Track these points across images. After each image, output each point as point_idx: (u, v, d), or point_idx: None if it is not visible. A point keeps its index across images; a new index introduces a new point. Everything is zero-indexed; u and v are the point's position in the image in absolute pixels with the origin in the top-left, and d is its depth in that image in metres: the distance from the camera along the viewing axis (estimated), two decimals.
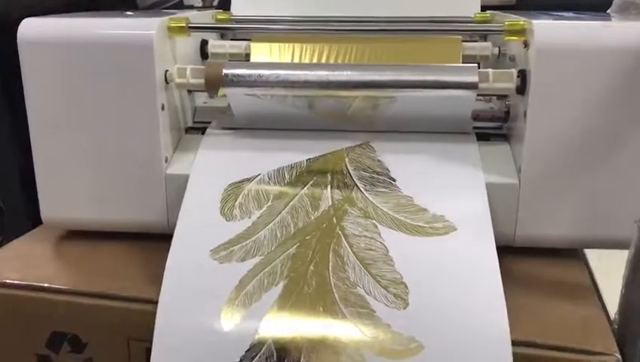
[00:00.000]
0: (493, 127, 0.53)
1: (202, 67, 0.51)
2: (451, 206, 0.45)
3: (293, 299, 0.41)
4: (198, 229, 0.45)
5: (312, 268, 0.42)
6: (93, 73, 0.48)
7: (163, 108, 0.49)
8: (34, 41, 0.49)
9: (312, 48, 0.55)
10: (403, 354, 0.38)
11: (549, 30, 0.45)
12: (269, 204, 0.46)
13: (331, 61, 0.55)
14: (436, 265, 0.41)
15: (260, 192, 0.47)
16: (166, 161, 0.50)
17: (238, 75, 0.49)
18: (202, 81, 0.50)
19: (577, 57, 0.45)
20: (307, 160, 0.49)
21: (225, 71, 0.49)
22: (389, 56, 0.54)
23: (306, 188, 0.47)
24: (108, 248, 0.52)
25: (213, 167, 0.49)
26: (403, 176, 0.47)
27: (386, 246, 0.42)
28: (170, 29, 0.51)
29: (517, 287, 0.44)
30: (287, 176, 0.48)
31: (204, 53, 0.60)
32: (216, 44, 0.60)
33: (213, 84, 0.50)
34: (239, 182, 0.48)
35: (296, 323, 0.39)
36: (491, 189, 0.47)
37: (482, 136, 0.52)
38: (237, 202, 0.46)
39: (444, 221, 0.44)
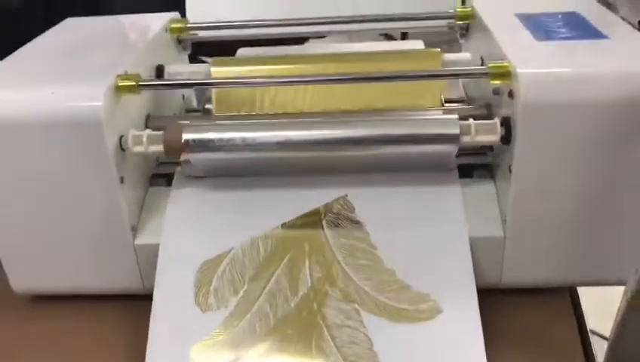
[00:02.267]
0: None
1: (160, 133, 0.46)
2: (435, 280, 0.43)
3: None
4: (175, 324, 0.43)
5: None
6: (42, 152, 0.44)
7: (122, 181, 0.46)
8: None
9: (278, 77, 0.50)
10: None
11: (536, 84, 0.41)
12: (245, 288, 0.44)
13: (300, 98, 0.50)
14: (422, 358, 0.40)
15: (235, 275, 0.44)
16: (133, 230, 0.47)
17: (200, 141, 0.45)
18: (161, 147, 0.46)
19: (565, 111, 0.41)
20: (282, 225, 0.46)
21: (185, 136, 0.45)
22: (360, 93, 0.49)
23: (282, 266, 0.45)
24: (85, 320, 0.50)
25: (183, 239, 0.46)
26: (384, 242, 0.45)
27: (369, 339, 0.41)
28: (119, 89, 0.45)
29: (501, 342, 0.44)
30: (261, 250, 0.45)
31: (160, 75, 0.55)
32: (172, 72, 0.54)
33: (174, 150, 0.46)
34: (212, 259, 0.45)
35: None
36: (476, 243, 0.45)
37: (466, 171, 0.48)
38: (212, 287, 0.44)
39: (429, 301, 0.42)
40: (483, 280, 0.45)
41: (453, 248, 0.44)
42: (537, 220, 0.44)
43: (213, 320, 0.43)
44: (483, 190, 0.48)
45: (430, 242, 0.44)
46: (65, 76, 0.46)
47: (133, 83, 0.45)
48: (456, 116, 0.44)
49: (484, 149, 0.49)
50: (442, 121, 0.44)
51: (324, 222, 0.46)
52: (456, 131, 0.43)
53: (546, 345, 0.45)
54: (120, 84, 0.45)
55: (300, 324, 0.42)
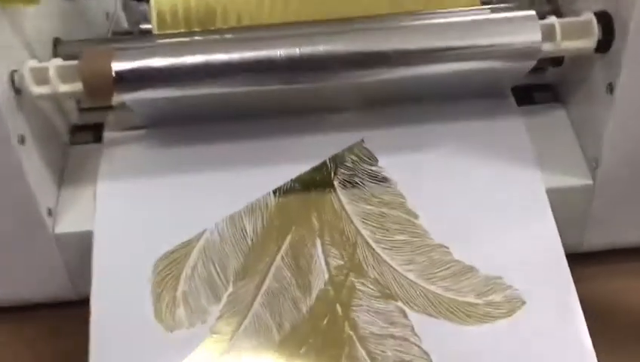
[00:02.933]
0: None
1: (75, 63, 0.30)
2: (508, 256, 0.29)
3: None
4: (128, 357, 0.28)
5: None
6: None
7: (22, 140, 0.30)
8: None
9: None
10: None
11: None
12: (230, 290, 0.29)
13: (279, 9, 0.34)
14: None
15: (213, 271, 0.30)
16: (49, 214, 0.32)
17: (139, 72, 0.29)
18: (79, 85, 0.30)
19: None
20: (275, 192, 0.31)
21: (116, 66, 0.29)
22: None
23: (283, 252, 0.30)
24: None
25: (127, 224, 0.31)
26: (426, 205, 0.31)
27: (427, 354, 0.27)
28: None
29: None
30: (249, 231, 0.30)
31: None
32: None
33: (101, 88, 0.30)
34: (175, 251, 0.30)
35: None
36: (554, 195, 0.31)
37: (523, 95, 0.35)
38: (178, 293, 0.29)
39: (504, 288, 0.29)
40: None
41: (528, 206, 0.30)
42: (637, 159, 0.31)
43: (187, 345, 0.28)
44: (553, 121, 0.34)
45: (493, 201, 0.31)
46: None
47: None
48: (533, 12, 0.30)
49: (543, 63, 0.35)
50: (514, 21, 0.30)
51: (335, 183, 0.31)
52: (537, 37, 0.29)
53: None
54: None
55: (319, 339, 0.28)
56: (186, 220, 0.31)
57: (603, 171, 0.32)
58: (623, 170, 0.32)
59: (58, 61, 0.30)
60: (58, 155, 0.34)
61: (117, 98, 0.30)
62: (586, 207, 0.33)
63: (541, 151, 0.32)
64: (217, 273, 0.30)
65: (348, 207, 0.31)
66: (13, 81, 0.29)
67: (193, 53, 0.29)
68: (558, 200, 0.31)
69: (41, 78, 0.30)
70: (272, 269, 0.30)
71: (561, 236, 0.31)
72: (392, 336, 0.28)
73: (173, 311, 0.29)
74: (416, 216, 0.30)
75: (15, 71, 0.29)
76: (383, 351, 0.28)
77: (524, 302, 0.28)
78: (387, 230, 0.30)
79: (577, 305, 0.28)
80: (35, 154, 0.31)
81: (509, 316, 0.28)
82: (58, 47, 0.34)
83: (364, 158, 0.32)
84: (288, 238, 0.30)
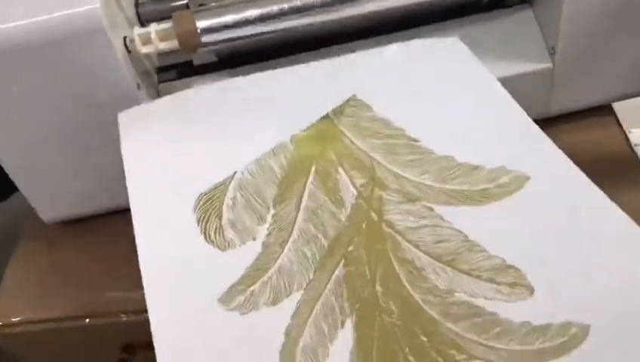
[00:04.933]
0: None
1: (170, 26, 0.37)
2: (502, 147, 0.34)
3: (377, 337, 0.27)
4: (184, 270, 0.29)
5: (379, 288, 0.29)
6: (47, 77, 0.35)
7: (139, 87, 0.37)
8: None
9: None
10: (565, 347, 0.27)
11: None
12: (273, 212, 0.32)
13: None
14: (536, 226, 0.31)
15: (252, 200, 0.32)
16: None
17: (216, 28, 0.37)
18: (175, 43, 0.37)
19: None
20: (291, 140, 0.35)
21: (200, 26, 0.36)
22: None
23: (311, 179, 0.33)
24: None
25: (155, 171, 0.33)
26: (425, 129, 0.35)
27: (460, 231, 0.31)
28: None
29: None
30: (276, 168, 0.33)
31: None
32: None
33: (190, 43, 0.37)
34: (208, 192, 0.32)
35: None
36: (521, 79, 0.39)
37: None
38: (223, 221, 0.31)
39: (508, 172, 0.33)
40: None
41: (498, 102, 0.36)
42: (590, 40, 0.39)
43: (243, 258, 0.30)
44: (521, 19, 0.42)
45: (475, 108, 0.36)
46: None
47: None
48: None
49: None
50: None
51: (341, 128, 0.36)
52: None
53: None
54: None
55: (363, 239, 0.31)
56: (215, 165, 0.33)
57: (560, 53, 0.39)
58: (575, 49, 0.39)
59: (156, 26, 0.37)
60: (156, 93, 0.41)
61: (201, 49, 0.38)
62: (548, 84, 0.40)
63: (509, 45, 0.40)
64: (256, 200, 0.32)
65: (357, 142, 0.35)
66: (126, 45, 0.37)
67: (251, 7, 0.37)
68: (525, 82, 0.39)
69: (146, 39, 0.37)
70: (306, 192, 0.32)
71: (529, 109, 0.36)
72: (426, 226, 0.31)
73: (223, 234, 0.30)
74: (417, 140, 0.35)
75: (125, 37, 0.37)
76: (420, 238, 0.31)
77: (528, 177, 0.32)
78: (396, 153, 0.34)
79: (573, 167, 0.32)
80: (146, 96, 0.38)
81: (522, 188, 0.32)
82: (140, 11, 0.41)
83: (361, 107, 0.37)
84: (312, 169, 0.33)
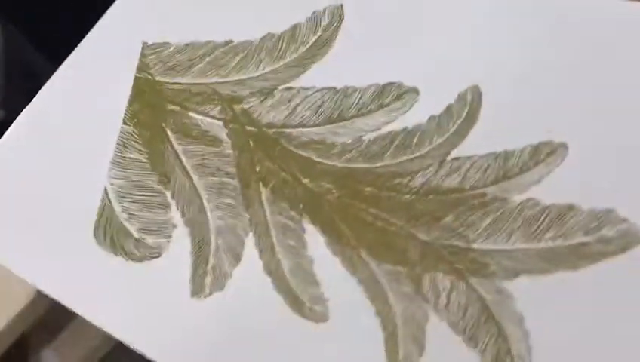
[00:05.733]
0: None
1: None
2: None
3: (336, 216, 0.28)
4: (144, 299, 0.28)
5: (305, 180, 0.29)
6: None
7: None
8: None
9: None
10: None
11: None
12: (168, 193, 0.30)
13: None
14: None
15: (140, 196, 0.30)
16: None
17: None
18: None
19: None
20: (124, 122, 0.33)
21: None
22: None
23: (173, 141, 0.32)
24: None
25: None
26: None
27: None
28: None
29: None
30: (136, 155, 0.31)
31: None
32: None
33: None
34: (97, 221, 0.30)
35: None
36: None
37: None
38: (135, 234, 0.29)
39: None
40: None
41: None
42: None
43: (181, 248, 0.29)
44: None
45: None
46: None
47: None
48: None
49: None
50: None
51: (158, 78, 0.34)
52: None
53: None
54: None
55: (260, 154, 0.30)
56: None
57: None
58: None
59: None
60: None
61: None
62: None
63: None
64: (145, 195, 0.30)
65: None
66: None
67: None
68: None
69: None
70: (180, 155, 0.31)
71: None
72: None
73: (145, 244, 0.29)
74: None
75: None
76: (298, 116, 0.31)
77: None
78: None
79: None
80: None
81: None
82: None
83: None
84: (168, 132, 0.32)
